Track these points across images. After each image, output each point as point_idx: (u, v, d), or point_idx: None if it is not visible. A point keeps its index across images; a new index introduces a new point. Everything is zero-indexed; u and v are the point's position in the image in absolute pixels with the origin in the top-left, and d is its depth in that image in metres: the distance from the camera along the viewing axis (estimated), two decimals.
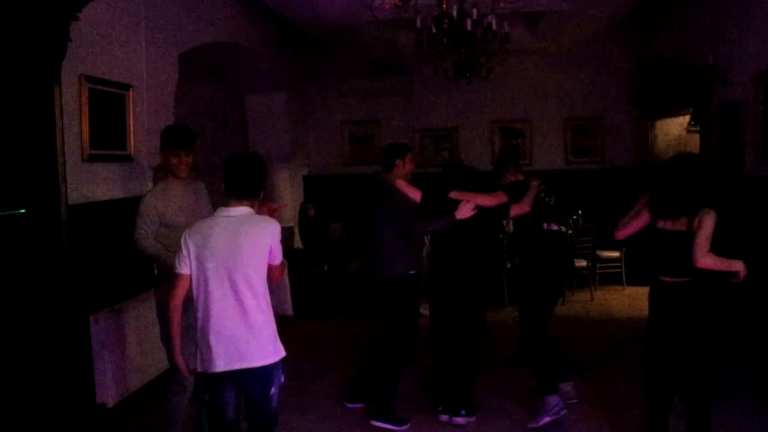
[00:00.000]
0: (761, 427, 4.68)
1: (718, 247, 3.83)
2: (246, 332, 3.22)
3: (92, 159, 4.90)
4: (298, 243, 10.14)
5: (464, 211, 4.90)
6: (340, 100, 11.12)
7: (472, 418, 4.99)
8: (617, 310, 8.16)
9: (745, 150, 6.69)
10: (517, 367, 5.89)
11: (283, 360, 3.35)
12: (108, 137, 5.13)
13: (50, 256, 4.05)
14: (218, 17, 7.34)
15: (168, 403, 4.25)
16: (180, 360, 3.43)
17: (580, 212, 9.07)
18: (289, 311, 8.10)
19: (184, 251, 3.28)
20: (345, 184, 10.22)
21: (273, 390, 3.30)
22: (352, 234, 5.62)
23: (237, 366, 3.21)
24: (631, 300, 8.52)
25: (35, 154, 3.95)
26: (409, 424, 4.95)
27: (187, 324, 3.64)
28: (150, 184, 5.39)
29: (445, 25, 6.52)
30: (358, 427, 4.99)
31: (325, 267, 9.10)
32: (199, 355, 3.30)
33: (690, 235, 3.79)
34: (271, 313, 3.34)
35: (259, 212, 3.51)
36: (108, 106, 5.12)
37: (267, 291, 3.32)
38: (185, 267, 3.28)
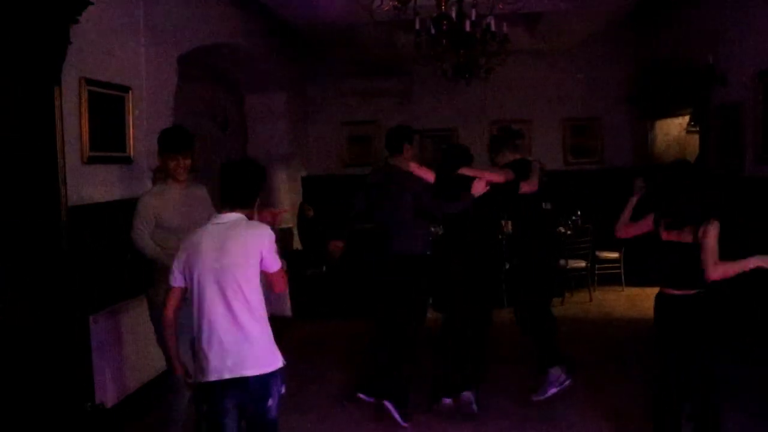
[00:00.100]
0: (762, 428, 4.69)
1: (719, 249, 3.82)
2: (239, 341, 3.17)
3: (92, 161, 4.91)
4: (297, 244, 10.14)
5: (479, 187, 4.96)
6: (340, 100, 11.12)
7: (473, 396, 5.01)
8: (616, 311, 8.17)
9: (744, 150, 6.69)
10: (517, 367, 5.90)
11: (283, 368, 3.30)
12: (108, 139, 5.13)
13: (50, 257, 4.06)
14: (217, 19, 7.34)
15: (167, 405, 4.26)
16: (180, 370, 3.43)
17: (579, 213, 9.08)
18: (288, 312, 8.11)
19: (177, 263, 3.28)
20: (344, 185, 10.21)
21: (270, 402, 3.23)
22: (358, 216, 5.51)
23: (228, 375, 3.15)
24: (630, 300, 8.53)
25: (35, 156, 3.96)
26: (408, 424, 4.96)
27: (180, 323, 3.70)
28: (149, 186, 5.40)
29: (444, 26, 6.53)
30: (357, 427, 4.99)
31: (324, 268, 9.10)
32: (196, 363, 3.28)
33: (696, 247, 3.77)
34: (267, 322, 3.28)
35: (260, 218, 3.51)
36: (108, 108, 5.12)
37: (262, 299, 3.26)
38: (177, 279, 3.28)
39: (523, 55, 10.16)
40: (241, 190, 3.33)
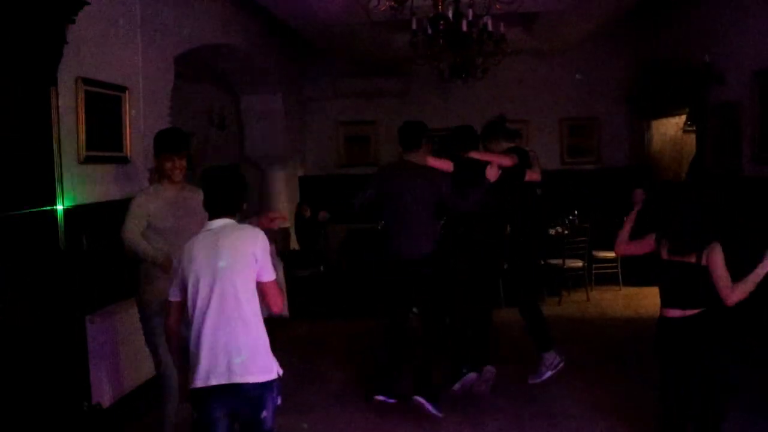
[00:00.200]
0: (762, 428, 4.68)
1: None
2: (230, 347, 3.10)
3: (88, 160, 4.90)
4: (294, 244, 10.13)
5: (492, 173, 5.07)
6: (336, 101, 11.12)
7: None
8: (613, 310, 8.16)
9: (742, 150, 6.70)
10: (516, 367, 5.90)
11: (279, 379, 3.24)
12: (104, 139, 5.13)
13: (47, 257, 4.05)
14: (214, 19, 7.34)
15: (159, 407, 4.25)
16: (182, 380, 3.42)
17: (576, 212, 9.09)
18: (285, 312, 8.09)
19: (174, 276, 3.26)
20: (341, 185, 10.21)
21: (265, 413, 3.16)
22: (363, 206, 5.30)
23: (215, 382, 3.09)
24: (628, 300, 8.53)
25: (32, 156, 3.96)
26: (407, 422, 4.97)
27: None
28: (146, 186, 5.39)
29: (441, 26, 6.53)
30: (357, 427, 4.99)
31: (321, 267, 9.11)
32: (189, 370, 3.21)
33: (700, 268, 3.71)
34: (263, 331, 3.22)
35: (260, 225, 3.50)
36: (104, 108, 5.12)
37: (257, 307, 3.21)
38: (174, 293, 3.26)
39: (520, 55, 10.16)
40: (224, 198, 3.29)
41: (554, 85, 10.74)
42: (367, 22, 7.11)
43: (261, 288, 3.24)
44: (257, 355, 3.17)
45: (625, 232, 4.17)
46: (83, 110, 4.81)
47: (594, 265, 9.01)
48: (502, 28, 6.96)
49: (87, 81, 4.85)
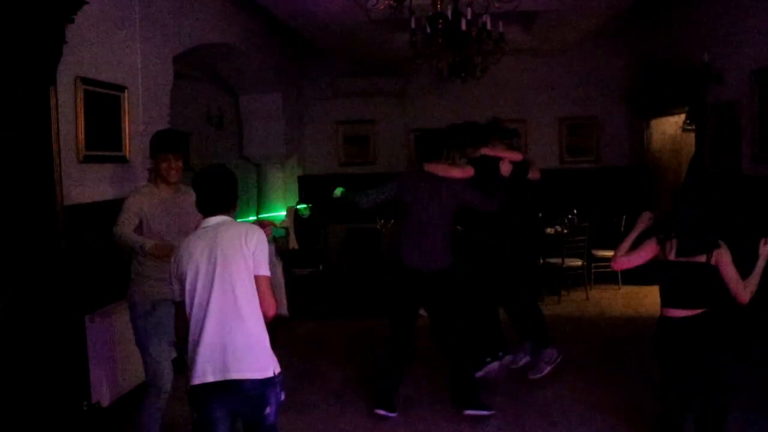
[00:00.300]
0: (762, 428, 4.68)
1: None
2: (229, 343, 3.08)
3: (87, 160, 4.90)
4: (293, 243, 10.14)
5: (506, 167, 5.16)
6: (335, 100, 11.11)
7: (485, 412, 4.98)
8: (613, 309, 8.16)
9: (741, 149, 6.70)
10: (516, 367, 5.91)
11: (281, 375, 3.21)
12: (103, 138, 5.13)
13: (46, 257, 4.05)
14: (213, 19, 7.34)
15: (141, 414, 4.18)
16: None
17: (575, 211, 9.08)
18: (285, 312, 8.10)
19: (173, 275, 3.24)
20: (340, 184, 10.19)
21: (268, 410, 3.14)
22: (377, 203, 5.19)
23: (212, 378, 3.06)
24: (627, 299, 8.53)
25: (31, 155, 3.96)
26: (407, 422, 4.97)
27: (156, 321, 4.00)
28: (144, 184, 5.39)
29: (440, 25, 6.52)
30: (356, 427, 4.99)
31: (321, 267, 9.11)
32: (188, 368, 3.18)
33: (709, 267, 3.72)
34: (262, 327, 3.19)
35: None
36: (103, 107, 5.12)
37: (256, 303, 3.18)
38: (177, 293, 3.25)
39: (519, 54, 10.17)
40: (216, 197, 3.28)
41: (553, 84, 10.74)
42: (366, 21, 7.10)
43: (256, 285, 3.19)
44: (255, 351, 3.14)
45: (625, 248, 4.08)
46: (82, 110, 4.82)
47: (593, 264, 9.01)
48: (501, 27, 6.96)
49: (86, 80, 4.86)
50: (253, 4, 7.87)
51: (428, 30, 6.63)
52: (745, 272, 3.76)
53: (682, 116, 9.34)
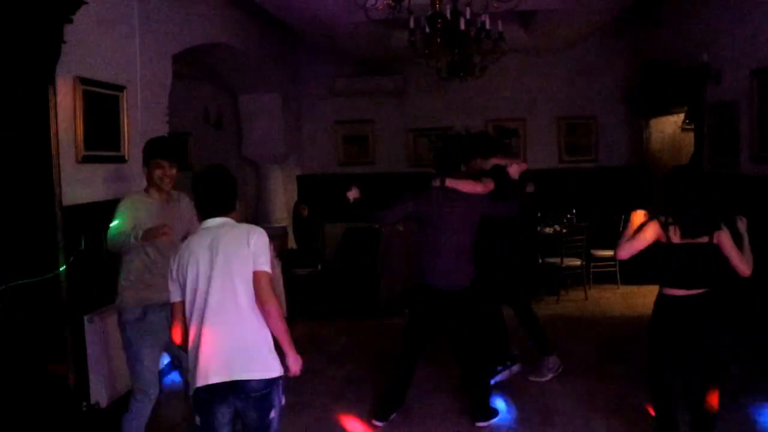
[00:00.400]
0: (762, 427, 4.69)
1: None
2: (232, 344, 3.06)
3: (86, 160, 4.89)
4: (292, 243, 10.14)
5: (515, 168, 5.19)
6: (334, 100, 11.10)
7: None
8: (612, 309, 8.17)
9: (740, 149, 6.70)
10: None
11: (282, 377, 3.19)
12: (102, 138, 5.12)
13: (46, 257, 4.05)
14: (211, 18, 7.33)
15: (129, 423, 4.09)
16: None
17: (574, 211, 9.09)
18: (284, 311, 8.09)
19: (170, 278, 3.20)
20: (339, 184, 10.19)
21: (273, 413, 3.12)
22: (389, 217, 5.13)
23: (218, 379, 3.02)
24: (626, 299, 8.53)
25: (30, 155, 3.96)
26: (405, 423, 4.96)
27: (147, 326, 3.92)
28: (145, 185, 5.37)
29: (439, 25, 6.51)
30: (356, 427, 4.98)
31: (319, 267, 9.11)
32: (189, 371, 3.15)
33: (712, 247, 3.85)
34: (264, 327, 3.14)
35: None
36: (102, 107, 5.11)
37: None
38: (174, 294, 3.20)
39: (518, 54, 10.15)
40: (215, 198, 3.24)
41: (552, 84, 10.73)
42: (365, 20, 7.10)
43: (255, 284, 3.13)
44: (258, 351, 3.11)
45: (628, 233, 4.09)
46: (81, 110, 4.80)
47: (592, 264, 9.02)
48: (500, 27, 6.95)
49: (85, 80, 4.85)
50: (253, 3, 7.86)
51: (427, 29, 6.62)
52: None
53: (681, 116, 9.34)
